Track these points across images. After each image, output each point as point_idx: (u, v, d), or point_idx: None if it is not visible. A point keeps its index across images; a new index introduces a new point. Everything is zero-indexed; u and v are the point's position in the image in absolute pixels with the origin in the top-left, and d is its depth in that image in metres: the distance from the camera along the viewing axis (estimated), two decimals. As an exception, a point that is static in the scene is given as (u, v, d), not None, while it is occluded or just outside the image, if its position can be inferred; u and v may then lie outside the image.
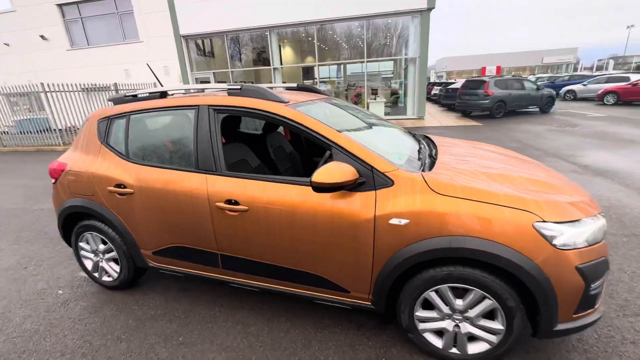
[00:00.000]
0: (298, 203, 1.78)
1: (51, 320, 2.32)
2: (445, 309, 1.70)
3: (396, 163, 1.74)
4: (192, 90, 2.87)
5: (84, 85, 10.99)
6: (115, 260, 2.55)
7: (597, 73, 24.31)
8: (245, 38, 13.93)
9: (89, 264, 2.63)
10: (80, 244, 2.59)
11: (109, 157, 2.30)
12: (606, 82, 16.54)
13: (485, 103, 11.96)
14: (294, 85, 3.03)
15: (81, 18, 14.50)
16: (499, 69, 37.66)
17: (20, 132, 10.94)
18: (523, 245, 1.45)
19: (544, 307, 1.50)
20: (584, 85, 17.71)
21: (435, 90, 19.82)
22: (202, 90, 2.68)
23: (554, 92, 13.44)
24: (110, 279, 2.60)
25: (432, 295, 1.69)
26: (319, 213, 1.74)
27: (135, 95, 2.35)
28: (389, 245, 1.65)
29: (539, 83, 14.96)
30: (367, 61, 12.94)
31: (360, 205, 1.67)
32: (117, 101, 2.39)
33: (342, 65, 15.92)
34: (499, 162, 2.10)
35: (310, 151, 3.65)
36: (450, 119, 12.48)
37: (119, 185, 2.22)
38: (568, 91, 18.44)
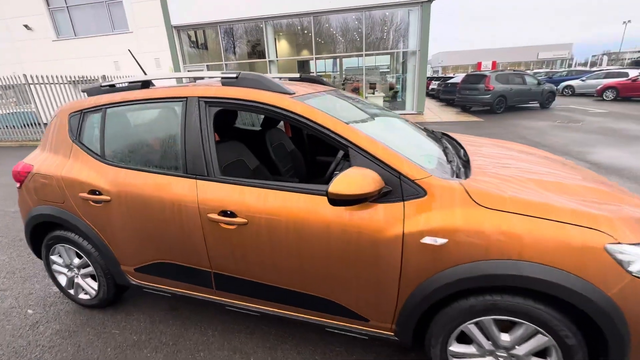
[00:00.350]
0: (307, 215, 1.47)
1: (16, 348, 1.99)
2: (487, 345, 1.41)
3: (427, 168, 1.43)
4: (184, 80, 2.52)
5: (71, 77, 10.47)
6: (93, 277, 2.22)
7: (595, 69, 24.24)
8: (240, 30, 13.44)
9: (62, 280, 2.30)
10: (52, 257, 2.25)
11: (82, 158, 1.96)
12: (605, 77, 16.41)
13: (486, 98, 11.69)
14: (297, 75, 2.69)
15: (67, 7, 13.83)
16: (494, 64, 37.39)
17: (6, 127, 10.41)
18: (593, 273, 1.16)
19: (615, 348, 1.22)
20: (583, 80, 17.56)
21: (433, 85, 19.54)
22: (194, 80, 2.35)
23: (555, 88, 13.25)
24: (87, 296, 2.27)
25: (471, 328, 1.40)
26: (333, 227, 1.44)
27: (113, 85, 2.01)
28: (420, 268, 1.36)
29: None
30: (366, 54, 12.57)
31: (384, 219, 1.37)
32: (91, 92, 2.05)
33: (338, 59, 15.51)
34: (541, 165, 1.81)
35: (314, 149, 3.33)
36: (450, 114, 12.22)
37: (93, 192, 1.88)
38: (566, 86, 18.29)
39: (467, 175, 1.50)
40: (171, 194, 1.70)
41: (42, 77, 9.49)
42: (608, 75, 16.48)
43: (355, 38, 12.68)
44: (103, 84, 2.01)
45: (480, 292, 1.34)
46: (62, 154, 2.02)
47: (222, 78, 1.74)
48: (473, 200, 1.30)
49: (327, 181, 1.92)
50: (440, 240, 1.29)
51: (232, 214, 1.59)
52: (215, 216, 1.61)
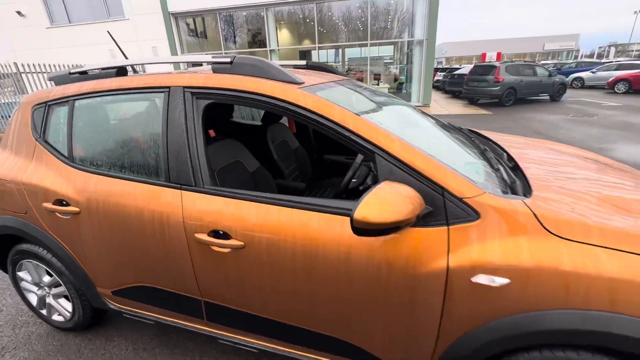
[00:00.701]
0: (321, 238, 1.15)
1: (-25, 383, 1.71)
2: (551, 409, 1.10)
3: (478, 182, 1.10)
4: (182, 67, 2.17)
5: (66, 66, 10.06)
6: (67, 297, 1.92)
7: (605, 60, 23.63)
8: (240, 18, 12.93)
9: (33, 299, 1.99)
10: (19, 273, 1.95)
11: (47, 161, 1.63)
12: (617, 69, 15.88)
13: (495, 90, 11.25)
14: (303, 62, 2.33)
15: (61, -8, 13.33)
16: (499, 55, 36.62)
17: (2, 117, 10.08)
18: None
19: None
20: (593, 72, 17.03)
21: (439, 76, 19.01)
22: (188, 66, 2.00)
23: (566, 79, 12.79)
24: (62, 318, 1.97)
25: (531, 388, 1.09)
26: (355, 255, 1.12)
27: (85, 72, 1.67)
28: (469, 314, 1.04)
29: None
30: (370, 44, 12.09)
31: (422, 248, 1.05)
32: (58, 80, 1.71)
33: (340, 49, 15.02)
34: (606, 173, 1.48)
35: (320, 146, 2.99)
36: (457, 107, 11.80)
37: (59, 202, 1.56)
38: (575, 79, 17.75)
39: (526, 191, 1.17)
40: (151, 207, 1.38)
41: (34, 65, 9.10)
42: (620, 67, 15.94)
43: (358, 27, 12.19)
44: (72, 70, 1.67)
45: (548, 345, 1.02)
46: (24, 155, 1.69)
47: (214, 63, 1.40)
48: (544, 227, 0.98)
49: (343, 191, 1.59)
50: (500, 280, 0.97)
51: (226, 235, 1.27)
52: (204, 237, 1.29)
